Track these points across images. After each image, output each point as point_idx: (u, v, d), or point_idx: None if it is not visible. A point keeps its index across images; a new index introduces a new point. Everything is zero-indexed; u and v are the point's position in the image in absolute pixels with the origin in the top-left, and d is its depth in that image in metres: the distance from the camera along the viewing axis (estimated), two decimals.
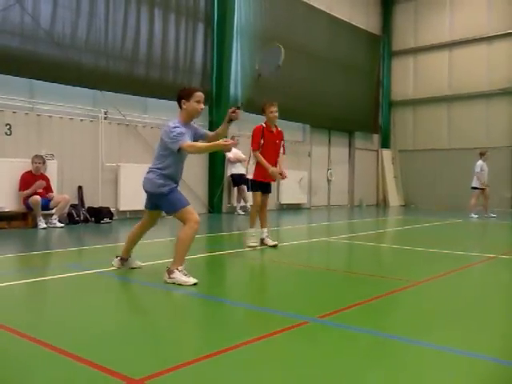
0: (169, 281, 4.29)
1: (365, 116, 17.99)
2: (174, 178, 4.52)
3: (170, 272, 4.30)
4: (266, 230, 6.71)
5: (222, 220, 11.25)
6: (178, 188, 4.56)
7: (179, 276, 4.25)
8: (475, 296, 4.20)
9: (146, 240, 7.03)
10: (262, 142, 6.38)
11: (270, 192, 6.82)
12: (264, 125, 6.49)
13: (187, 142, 4.36)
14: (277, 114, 6.48)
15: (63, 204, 8.87)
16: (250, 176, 6.69)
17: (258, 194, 6.54)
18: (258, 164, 6.47)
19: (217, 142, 4.36)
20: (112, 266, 4.89)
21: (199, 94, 4.48)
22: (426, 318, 3.46)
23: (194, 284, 4.18)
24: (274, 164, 6.48)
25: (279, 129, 6.65)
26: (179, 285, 4.18)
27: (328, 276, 4.76)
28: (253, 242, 6.47)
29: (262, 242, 6.63)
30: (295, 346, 2.81)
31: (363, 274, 5.10)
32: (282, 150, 6.63)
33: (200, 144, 4.58)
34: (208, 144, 4.56)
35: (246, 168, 7.11)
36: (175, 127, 4.36)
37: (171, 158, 4.47)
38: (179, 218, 4.43)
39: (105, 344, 2.81)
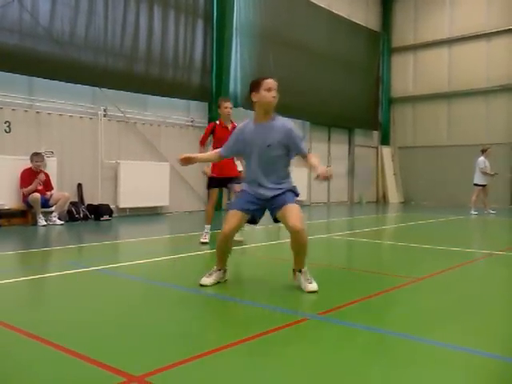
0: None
1: (364, 113, 17.97)
2: (250, 183, 4.16)
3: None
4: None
5: (222, 217, 11.24)
6: (249, 189, 4.13)
7: (206, 273, 4.22)
8: (475, 292, 4.20)
9: (146, 238, 7.05)
10: (213, 139, 6.52)
11: (239, 183, 6.62)
12: (218, 122, 6.62)
13: (221, 152, 4.28)
14: (230, 111, 6.56)
15: (63, 201, 8.88)
16: (207, 174, 6.62)
17: (215, 190, 6.61)
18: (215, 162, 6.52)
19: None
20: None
21: (269, 81, 3.96)
22: (426, 314, 3.47)
23: (201, 285, 4.12)
24: (231, 163, 6.52)
25: (235, 124, 6.61)
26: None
27: (328, 273, 4.76)
28: (204, 238, 6.57)
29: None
30: (295, 343, 2.81)
31: (363, 270, 5.11)
32: None
33: (206, 154, 4.52)
34: (200, 156, 4.60)
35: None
36: (234, 131, 4.26)
37: (245, 160, 4.26)
38: None
39: (105, 341, 2.82)
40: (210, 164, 6.56)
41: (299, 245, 3.95)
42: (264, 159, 4.03)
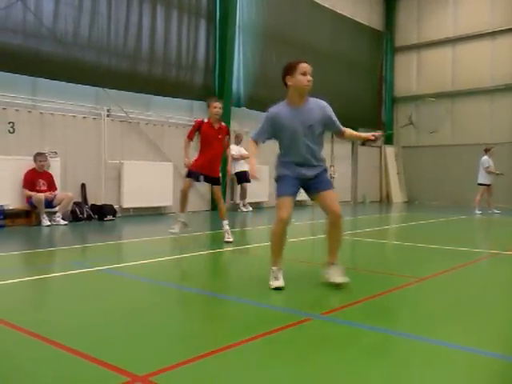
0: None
1: (368, 112, 17.94)
2: (288, 165, 4.15)
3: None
4: (226, 222, 6.78)
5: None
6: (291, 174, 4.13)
7: (270, 275, 4.05)
8: (478, 292, 4.19)
9: (149, 238, 7.06)
10: (200, 135, 6.60)
11: (218, 185, 6.79)
12: (206, 120, 6.65)
13: (254, 139, 4.16)
14: (220, 111, 6.61)
15: (66, 201, 8.90)
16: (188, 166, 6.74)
17: (187, 180, 6.66)
18: (199, 155, 6.64)
19: (251, 161, 4.14)
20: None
21: (304, 65, 3.98)
22: (430, 314, 3.46)
23: (276, 288, 3.93)
24: (217, 158, 6.67)
25: (223, 124, 6.72)
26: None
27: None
28: (173, 228, 6.69)
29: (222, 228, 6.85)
30: (299, 343, 2.81)
31: (366, 270, 5.10)
32: (226, 144, 6.81)
33: (251, 150, 4.23)
34: (252, 155, 4.22)
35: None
36: (266, 114, 4.12)
37: (282, 143, 4.18)
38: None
39: (108, 340, 2.82)
40: (192, 159, 6.70)
41: (338, 230, 4.12)
42: (305, 140, 4.09)
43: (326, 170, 4.29)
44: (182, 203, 6.76)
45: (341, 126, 4.27)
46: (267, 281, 4.12)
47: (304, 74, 3.97)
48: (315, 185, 4.17)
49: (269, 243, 4.19)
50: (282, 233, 4.10)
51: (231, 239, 6.71)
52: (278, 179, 4.26)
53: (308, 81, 3.98)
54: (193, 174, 6.66)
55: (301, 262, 5.56)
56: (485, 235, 9.30)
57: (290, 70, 4.00)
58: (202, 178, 6.69)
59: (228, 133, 6.88)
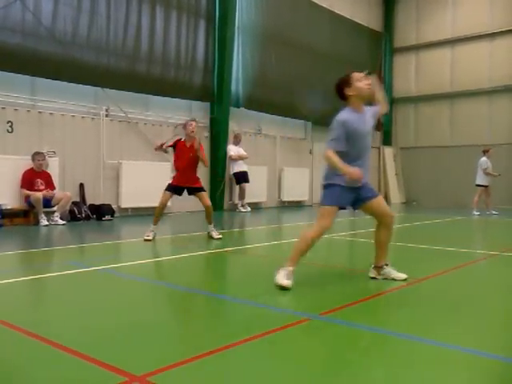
0: (275, 278, 4.06)
1: None
2: (353, 156, 4.09)
3: (281, 268, 4.08)
4: (211, 225, 7.14)
5: (224, 217, 11.25)
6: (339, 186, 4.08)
7: (282, 274, 3.99)
8: (477, 293, 4.19)
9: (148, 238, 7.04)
10: (175, 151, 7.00)
11: (203, 191, 7.15)
12: (182, 139, 7.04)
13: (336, 149, 4.02)
14: (193, 129, 6.96)
15: (65, 201, 8.89)
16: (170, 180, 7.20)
17: (167, 194, 6.96)
18: (176, 173, 7.05)
19: (344, 169, 3.89)
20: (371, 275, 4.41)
21: (356, 74, 4.15)
22: (428, 315, 3.46)
23: (282, 288, 3.91)
24: (190, 177, 6.98)
25: (195, 143, 6.93)
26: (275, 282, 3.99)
27: (330, 273, 4.76)
28: (148, 235, 6.81)
29: (209, 234, 7.12)
30: (297, 343, 2.81)
31: (365, 271, 5.09)
32: (201, 156, 6.98)
33: (336, 159, 4.00)
34: (341, 163, 3.95)
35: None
36: (338, 121, 4.10)
37: (346, 149, 4.09)
38: (318, 214, 4.23)
39: (106, 340, 2.82)
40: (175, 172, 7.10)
41: (390, 233, 4.34)
42: (364, 146, 4.19)
43: None
44: (157, 215, 6.96)
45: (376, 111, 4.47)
46: (267, 280, 4.11)
47: (360, 80, 4.12)
48: (365, 193, 4.21)
49: (297, 243, 4.20)
50: (316, 241, 4.18)
51: (220, 236, 7.05)
52: (329, 187, 4.17)
53: (368, 84, 4.13)
54: (171, 188, 7.00)
55: (299, 262, 5.55)
56: (483, 236, 9.32)
57: (345, 83, 4.14)
58: (184, 191, 7.07)
59: (199, 147, 7.01)
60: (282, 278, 3.97)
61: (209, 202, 7.08)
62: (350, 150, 4.10)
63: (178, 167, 7.03)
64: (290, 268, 4.04)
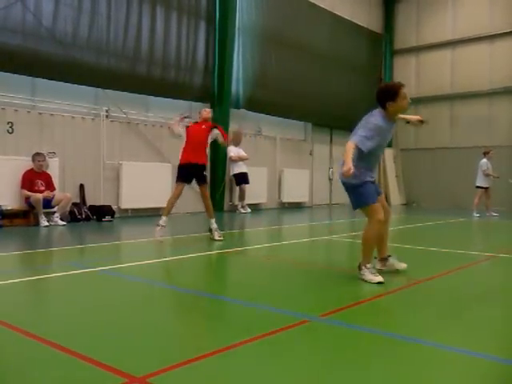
0: (360, 277, 4.42)
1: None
2: (369, 171, 4.47)
3: (360, 268, 4.46)
4: (213, 220, 7.14)
5: (224, 218, 11.25)
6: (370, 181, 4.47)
7: (366, 273, 4.36)
8: (476, 295, 4.19)
9: (148, 239, 7.06)
10: (186, 133, 7.08)
11: (205, 182, 7.17)
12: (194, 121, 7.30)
13: (356, 143, 4.27)
14: (207, 115, 7.26)
15: (65, 202, 8.89)
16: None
17: (179, 185, 6.94)
18: (183, 149, 7.03)
19: (347, 163, 4.09)
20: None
21: (405, 91, 4.36)
22: (427, 316, 3.46)
23: (379, 283, 4.24)
24: (201, 155, 7.01)
25: (211, 124, 7.23)
26: (366, 281, 4.33)
27: (329, 274, 4.76)
28: (160, 235, 6.82)
29: (210, 228, 7.13)
30: (297, 345, 2.81)
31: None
32: (218, 135, 7.17)
33: (350, 151, 4.24)
34: (348, 156, 4.19)
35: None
36: (374, 126, 4.34)
37: (371, 151, 4.41)
38: (365, 213, 4.49)
39: (106, 341, 2.82)
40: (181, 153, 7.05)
41: (388, 226, 4.79)
42: (380, 154, 4.66)
43: None
44: (169, 206, 6.99)
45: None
46: (267, 281, 4.10)
47: (405, 97, 4.34)
48: (377, 189, 4.62)
49: (365, 245, 4.47)
50: (379, 233, 4.51)
51: (222, 237, 6.97)
52: (363, 184, 4.41)
53: (409, 103, 4.39)
54: (183, 172, 6.93)
55: (300, 264, 5.56)
56: (483, 238, 9.31)
57: (390, 96, 4.32)
58: (193, 180, 7.04)
59: (215, 126, 7.26)
60: (372, 275, 4.33)
61: (208, 196, 7.22)
62: (368, 152, 4.33)
63: (188, 145, 7.00)
64: (369, 265, 4.41)
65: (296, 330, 3.07)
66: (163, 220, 6.89)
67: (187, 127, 7.15)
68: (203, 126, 7.10)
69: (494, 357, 2.67)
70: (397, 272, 4.76)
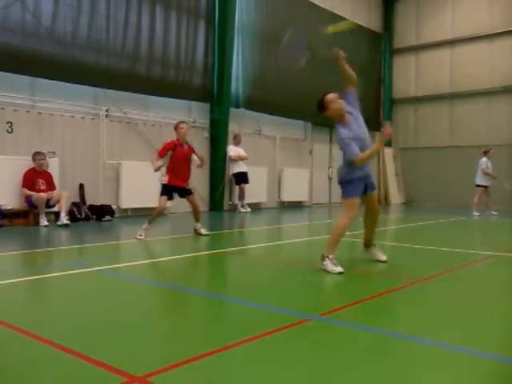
0: (321, 267, 4.66)
1: (366, 114, 17.69)
2: (359, 170, 4.80)
3: (322, 259, 4.69)
4: (199, 223, 7.56)
5: (223, 218, 11.25)
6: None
7: (328, 264, 4.61)
8: (476, 294, 4.20)
9: (147, 238, 7.06)
10: (172, 154, 7.19)
11: (192, 194, 7.52)
12: (176, 141, 7.28)
13: (356, 154, 4.63)
14: (187, 131, 7.35)
15: (64, 200, 8.83)
16: (164, 181, 7.25)
17: (164, 198, 7.19)
18: (170, 172, 7.20)
19: (374, 148, 4.70)
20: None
21: (329, 97, 4.68)
22: (428, 315, 3.46)
23: (339, 273, 4.50)
24: (186, 178, 7.33)
25: (191, 146, 7.46)
26: (327, 272, 4.57)
27: (329, 273, 4.76)
28: (140, 234, 6.95)
29: (196, 231, 7.54)
30: (297, 344, 2.81)
31: (365, 271, 5.10)
32: (195, 159, 7.42)
33: (363, 156, 4.68)
34: (366, 154, 4.70)
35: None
36: (343, 141, 4.70)
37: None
38: (344, 205, 4.90)
39: (106, 341, 2.82)
40: (165, 173, 7.28)
41: (377, 222, 5.25)
42: (367, 144, 4.84)
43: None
44: (155, 218, 7.30)
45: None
46: (266, 280, 4.10)
47: (333, 101, 4.67)
48: (370, 185, 4.99)
49: (332, 235, 4.80)
50: (348, 228, 4.89)
51: (208, 232, 7.50)
52: (350, 182, 4.81)
53: (341, 104, 4.68)
54: (169, 190, 7.23)
55: (299, 263, 5.56)
56: (483, 237, 9.32)
57: (322, 107, 4.72)
58: (175, 194, 7.38)
59: (194, 151, 7.47)
60: (333, 266, 4.57)
61: (197, 202, 7.65)
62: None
63: (175, 167, 7.23)
64: (331, 256, 4.65)
65: (296, 329, 3.08)
66: (147, 226, 7.10)
67: (173, 148, 7.22)
68: (186, 148, 7.31)
69: (496, 356, 2.67)
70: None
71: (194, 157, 7.45)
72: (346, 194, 4.86)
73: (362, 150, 4.68)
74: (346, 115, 4.74)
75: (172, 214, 11.34)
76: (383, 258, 5.25)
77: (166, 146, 7.30)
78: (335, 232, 4.79)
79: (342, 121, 4.74)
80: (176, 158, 7.23)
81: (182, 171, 7.29)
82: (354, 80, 5.03)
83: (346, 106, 4.79)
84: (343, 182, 4.89)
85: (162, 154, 7.24)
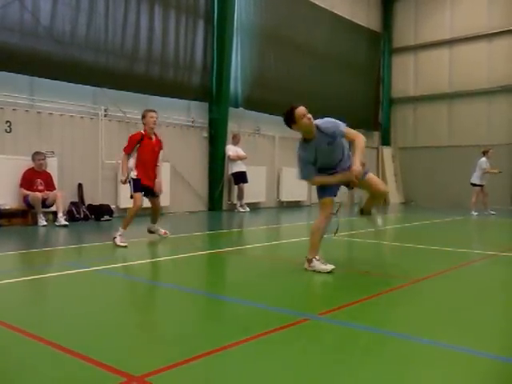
0: (309, 269, 4.66)
1: (365, 113, 17.96)
2: (325, 169, 4.78)
3: (309, 261, 4.69)
4: (156, 225, 7.10)
5: (222, 218, 11.25)
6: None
7: (317, 264, 4.62)
8: (475, 293, 4.20)
9: (146, 238, 7.06)
10: (139, 148, 6.49)
11: (157, 196, 6.84)
12: (143, 132, 6.61)
13: (311, 179, 4.77)
14: (156, 121, 6.63)
15: (60, 200, 8.78)
16: (134, 176, 6.50)
17: (139, 195, 6.50)
18: (139, 166, 6.52)
19: (335, 178, 4.73)
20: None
21: (300, 111, 4.49)
22: (426, 315, 3.46)
23: (331, 271, 4.53)
24: (152, 173, 6.63)
25: (159, 138, 6.80)
26: (318, 272, 4.57)
27: (328, 273, 4.76)
28: (123, 241, 6.31)
29: (151, 231, 7.05)
30: (296, 344, 2.81)
31: (363, 271, 5.10)
32: (159, 159, 6.78)
33: (319, 180, 4.77)
34: (324, 181, 4.78)
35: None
36: (299, 160, 4.71)
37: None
38: (319, 206, 4.88)
39: (105, 341, 2.82)
40: (134, 168, 6.55)
41: (382, 199, 5.59)
42: (333, 159, 4.85)
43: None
44: (131, 220, 6.54)
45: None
46: (265, 280, 4.10)
47: (302, 117, 4.47)
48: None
49: (312, 236, 4.78)
50: (325, 229, 4.84)
51: (168, 233, 7.05)
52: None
53: (309, 119, 4.50)
54: (140, 186, 6.52)
55: (297, 263, 5.55)
56: (481, 236, 9.32)
57: (290, 120, 4.54)
58: (143, 192, 6.63)
59: (162, 147, 6.85)
60: (323, 265, 4.60)
61: (159, 206, 7.06)
62: (321, 168, 4.76)
63: (143, 162, 6.55)
64: (317, 257, 4.68)
65: (295, 328, 3.08)
66: (122, 231, 6.42)
67: (141, 140, 6.52)
68: (156, 149, 6.66)
69: (494, 355, 2.68)
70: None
71: (160, 157, 6.76)
72: (318, 195, 4.90)
73: (328, 166, 4.74)
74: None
75: (170, 213, 11.34)
76: (380, 221, 5.54)
77: (131, 138, 6.55)
78: (312, 233, 4.81)
79: (309, 137, 4.62)
80: (144, 151, 6.51)
81: (150, 167, 6.62)
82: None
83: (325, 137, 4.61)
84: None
85: (128, 151, 6.49)
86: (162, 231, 7.08)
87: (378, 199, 5.24)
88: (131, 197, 6.59)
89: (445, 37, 17.55)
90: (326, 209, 4.76)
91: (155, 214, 6.99)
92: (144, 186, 6.59)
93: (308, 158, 4.66)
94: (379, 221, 5.48)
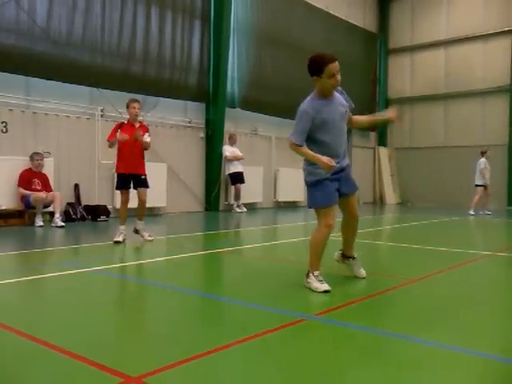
0: (306, 285, 4.03)
1: (361, 114, 17.87)
2: (327, 152, 3.91)
3: (307, 275, 4.06)
4: (142, 222, 6.79)
5: (219, 218, 11.25)
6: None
7: (313, 281, 3.97)
8: (472, 293, 4.22)
9: (141, 238, 7.04)
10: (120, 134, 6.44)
11: (145, 187, 6.71)
12: (126, 121, 6.68)
13: (295, 142, 3.89)
14: (138, 111, 6.61)
15: (58, 201, 8.78)
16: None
17: (122, 192, 6.61)
18: (117, 154, 6.55)
19: (320, 159, 3.76)
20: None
21: (335, 66, 3.82)
22: (423, 315, 3.47)
23: (325, 291, 3.86)
24: (137, 163, 6.55)
25: (144, 124, 6.81)
26: (311, 290, 3.96)
27: (325, 273, 4.76)
28: (118, 237, 6.41)
29: (136, 229, 6.78)
30: (292, 344, 2.81)
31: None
32: (148, 141, 6.63)
33: (302, 150, 3.92)
34: (311, 154, 3.87)
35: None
36: (300, 114, 3.92)
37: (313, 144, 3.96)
38: (316, 215, 4.08)
39: (102, 341, 2.81)
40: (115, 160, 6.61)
41: (355, 230, 4.32)
42: (337, 133, 4.17)
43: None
44: (124, 215, 6.59)
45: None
46: (262, 280, 4.09)
47: (331, 76, 3.85)
48: (346, 188, 4.13)
49: (311, 249, 4.10)
50: (327, 240, 4.07)
51: (152, 238, 6.72)
52: (316, 184, 3.99)
53: (337, 81, 3.92)
54: (122, 181, 6.58)
55: (294, 263, 5.56)
56: (478, 236, 9.35)
57: (317, 69, 3.84)
58: (131, 183, 6.61)
59: (148, 130, 6.75)
60: (318, 283, 3.94)
61: (145, 198, 6.67)
62: (321, 140, 3.97)
63: (123, 152, 6.49)
64: (317, 272, 4.02)
65: (292, 328, 3.08)
66: (122, 229, 6.51)
67: (121, 127, 6.53)
68: (139, 127, 6.53)
69: (493, 355, 2.68)
70: (354, 278, 4.44)
71: (147, 138, 6.58)
72: (312, 202, 4.04)
73: (334, 147, 4.00)
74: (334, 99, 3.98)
75: (167, 214, 11.32)
76: (363, 273, 4.40)
77: (113, 128, 6.57)
78: (313, 246, 4.05)
79: (326, 95, 3.96)
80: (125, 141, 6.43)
81: (131, 155, 6.45)
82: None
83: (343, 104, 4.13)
84: (308, 184, 4.07)
85: (111, 138, 6.47)
86: (146, 234, 6.74)
87: (352, 226, 4.29)
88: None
89: (441, 37, 17.61)
90: (326, 218, 3.96)
91: (140, 207, 6.71)
92: (127, 176, 6.55)
93: (313, 115, 3.89)
94: (362, 271, 4.42)
